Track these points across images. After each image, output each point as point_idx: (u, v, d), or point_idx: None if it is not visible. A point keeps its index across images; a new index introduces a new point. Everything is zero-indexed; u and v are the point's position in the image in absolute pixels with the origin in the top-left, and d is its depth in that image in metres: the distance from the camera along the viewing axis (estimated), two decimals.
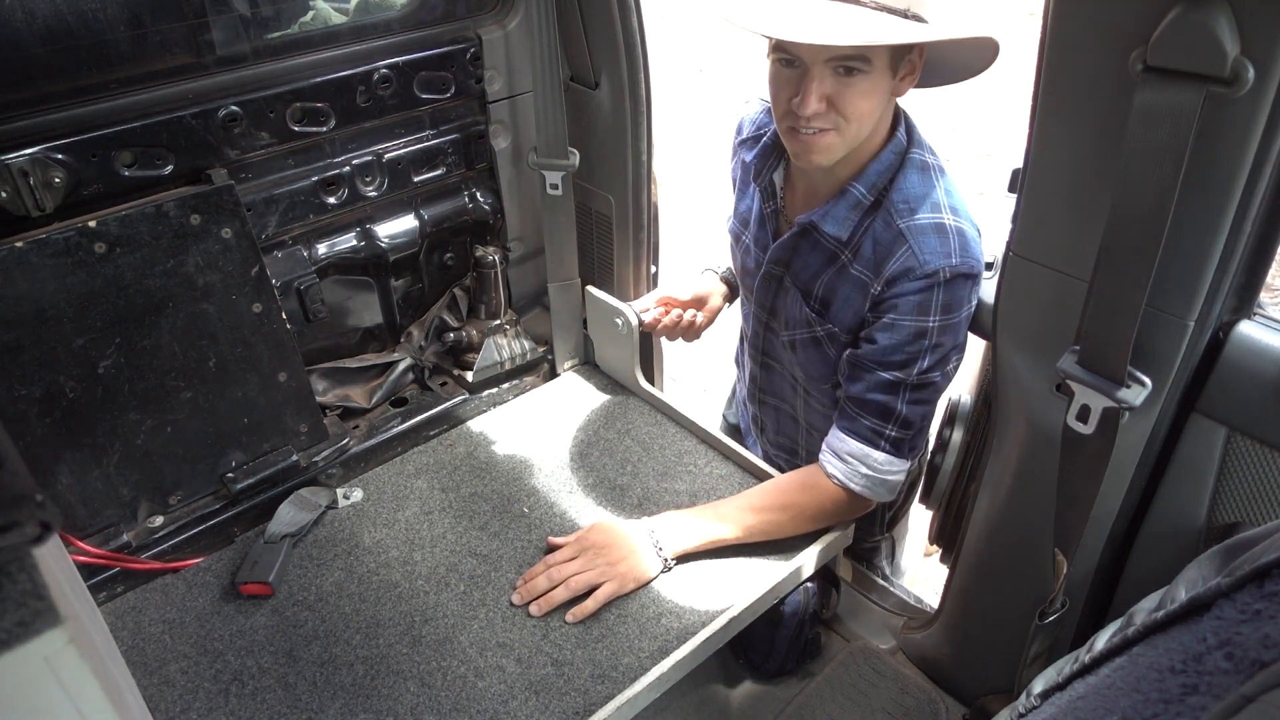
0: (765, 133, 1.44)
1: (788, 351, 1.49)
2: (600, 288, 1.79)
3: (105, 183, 1.30)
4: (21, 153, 1.20)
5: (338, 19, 1.55)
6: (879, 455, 1.31)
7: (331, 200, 1.58)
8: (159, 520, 1.45)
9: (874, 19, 1.12)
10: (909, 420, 1.29)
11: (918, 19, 1.14)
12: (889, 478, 1.33)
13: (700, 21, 7.45)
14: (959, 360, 1.31)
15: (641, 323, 1.67)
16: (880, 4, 1.12)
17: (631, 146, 1.68)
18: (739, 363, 1.82)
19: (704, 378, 3.59)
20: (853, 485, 1.33)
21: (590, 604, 1.30)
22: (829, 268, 1.33)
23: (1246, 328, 0.99)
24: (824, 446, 1.37)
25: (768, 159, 1.41)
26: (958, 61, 1.26)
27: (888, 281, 1.24)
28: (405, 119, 1.63)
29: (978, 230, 1.26)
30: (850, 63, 1.14)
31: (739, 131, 1.53)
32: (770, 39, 1.19)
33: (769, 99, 1.48)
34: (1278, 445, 0.99)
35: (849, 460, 1.32)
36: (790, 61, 1.18)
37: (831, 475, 1.34)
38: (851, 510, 1.40)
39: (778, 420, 1.67)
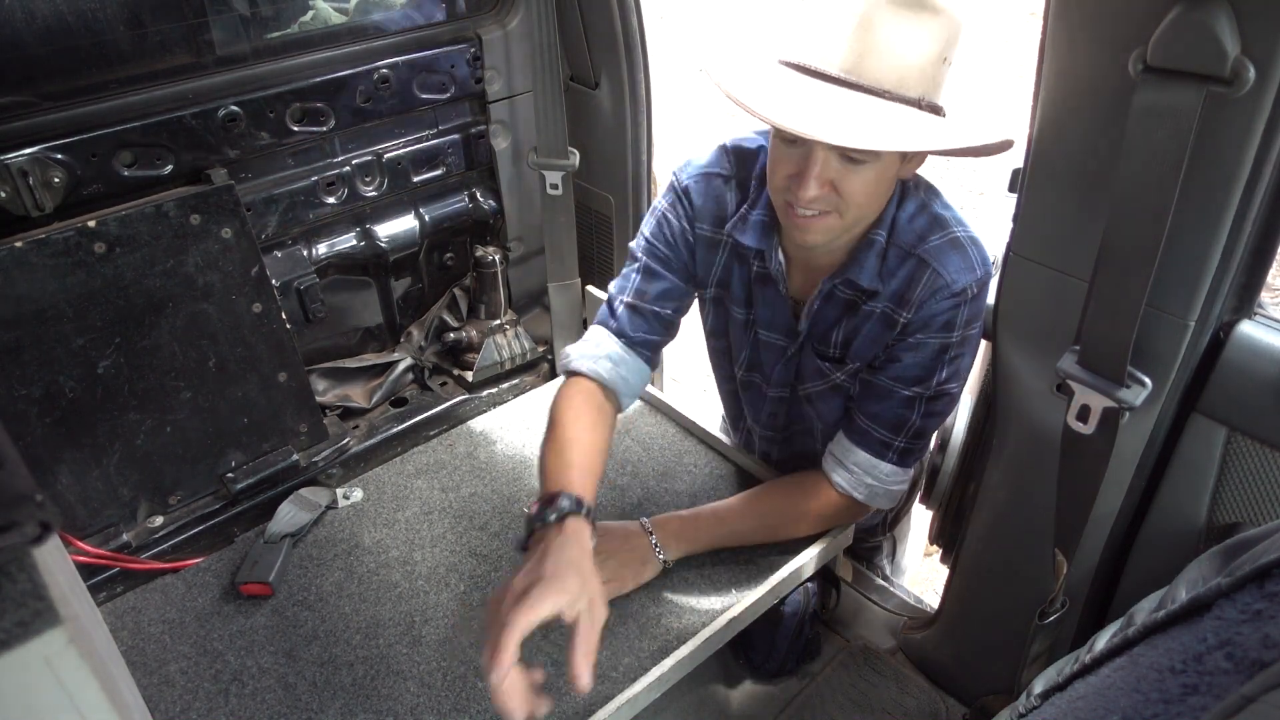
0: (749, 210, 1.29)
1: (809, 405, 1.44)
2: (600, 288, 1.79)
3: (105, 183, 1.30)
4: (21, 153, 1.20)
5: (338, 19, 1.55)
6: (885, 466, 1.30)
7: (331, 200, 1.58)
8: (159, 520, 1.45)
9: (888, 112, 1.04)
10: (922, 432, 1.28)
11: (933, 108, 1.07)
12: (892, 487, 1.33)
13: (700, 22, 7.45)
14: (970, 364, 1.30)
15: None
16: (894, 94, 1.05)
17: (631, 146, 1.68)
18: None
19: (704, 378, 3.59)
20: (855, 493, 1.33)
21: None
22: (847, 314, 1.29)
23: (1247, 328, 0.99)
24: (828, 452, 1.36)
25: (770, 239, 1.28)
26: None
27: (917, 306, 1.20)
28: (405, 119, 1.63)
29: None
30: (857, 154, 1.07)
31: (718, 222, 1.33)
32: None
33: (719, 165, 1.34)
34: (1278, 445, 0.99)
35: (854, 469, 1.32)
36: (792, 140, 1.10)
37: (835, 483, 1.34)
38: (851, 515, 1.40)
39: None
